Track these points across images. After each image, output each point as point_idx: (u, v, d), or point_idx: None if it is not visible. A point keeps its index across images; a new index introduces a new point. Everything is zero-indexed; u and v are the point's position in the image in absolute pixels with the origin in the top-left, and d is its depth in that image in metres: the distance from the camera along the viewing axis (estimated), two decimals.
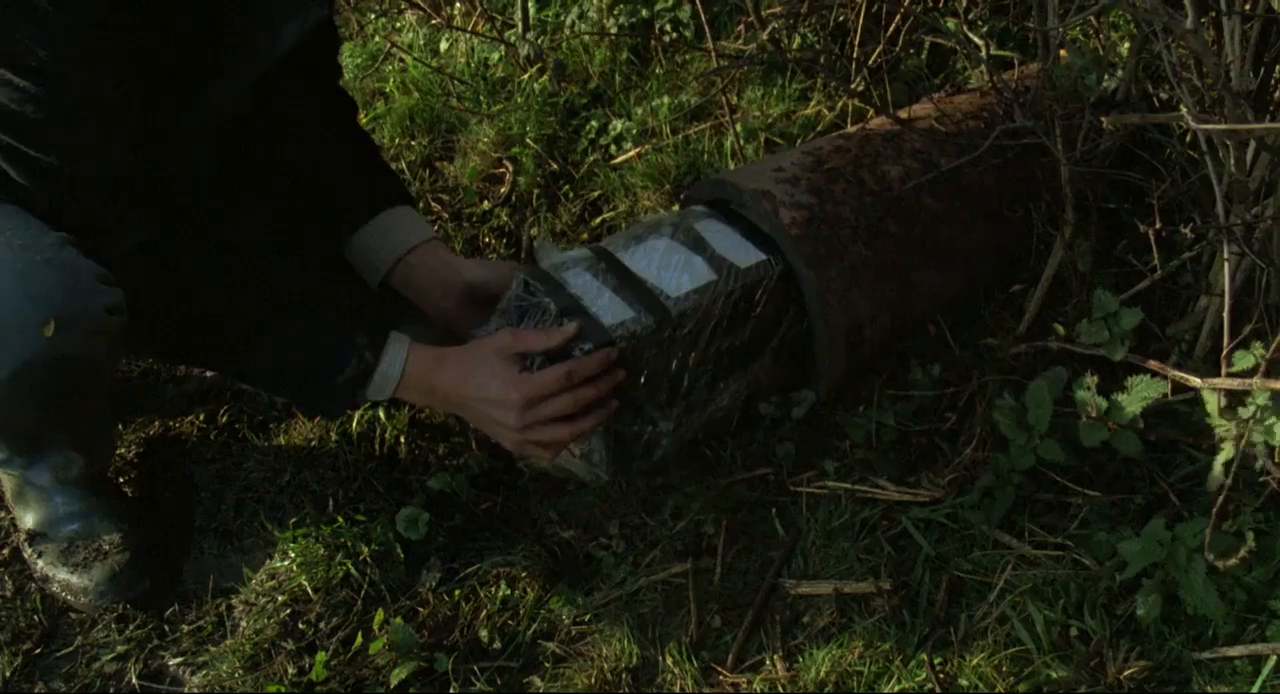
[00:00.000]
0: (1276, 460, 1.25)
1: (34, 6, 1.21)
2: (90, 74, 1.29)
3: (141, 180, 1.40)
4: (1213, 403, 1.26)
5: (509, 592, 1.61)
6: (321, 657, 1.57)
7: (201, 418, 1.92)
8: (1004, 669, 1.35)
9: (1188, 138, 1.55)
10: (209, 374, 1.97)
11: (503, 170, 2.26)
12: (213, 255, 1.47)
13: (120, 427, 1.90)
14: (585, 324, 1.49)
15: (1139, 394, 1.38)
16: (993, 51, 1.98)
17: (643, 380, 1.54)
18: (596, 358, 1.47)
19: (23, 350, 1.33)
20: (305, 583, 1.65)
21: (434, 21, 2.55)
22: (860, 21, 2.02)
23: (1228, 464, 1.25)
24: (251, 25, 1.45)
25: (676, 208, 1.92)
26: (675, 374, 1.56)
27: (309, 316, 1.49)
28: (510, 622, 1.58)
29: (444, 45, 2.49)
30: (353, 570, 1.65)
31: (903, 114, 1.78)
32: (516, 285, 1.56)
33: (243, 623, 1.65)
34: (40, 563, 1.72)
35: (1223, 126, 1.17)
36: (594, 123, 2.21)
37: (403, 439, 1.81)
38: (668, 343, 1.54)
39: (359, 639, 1.59)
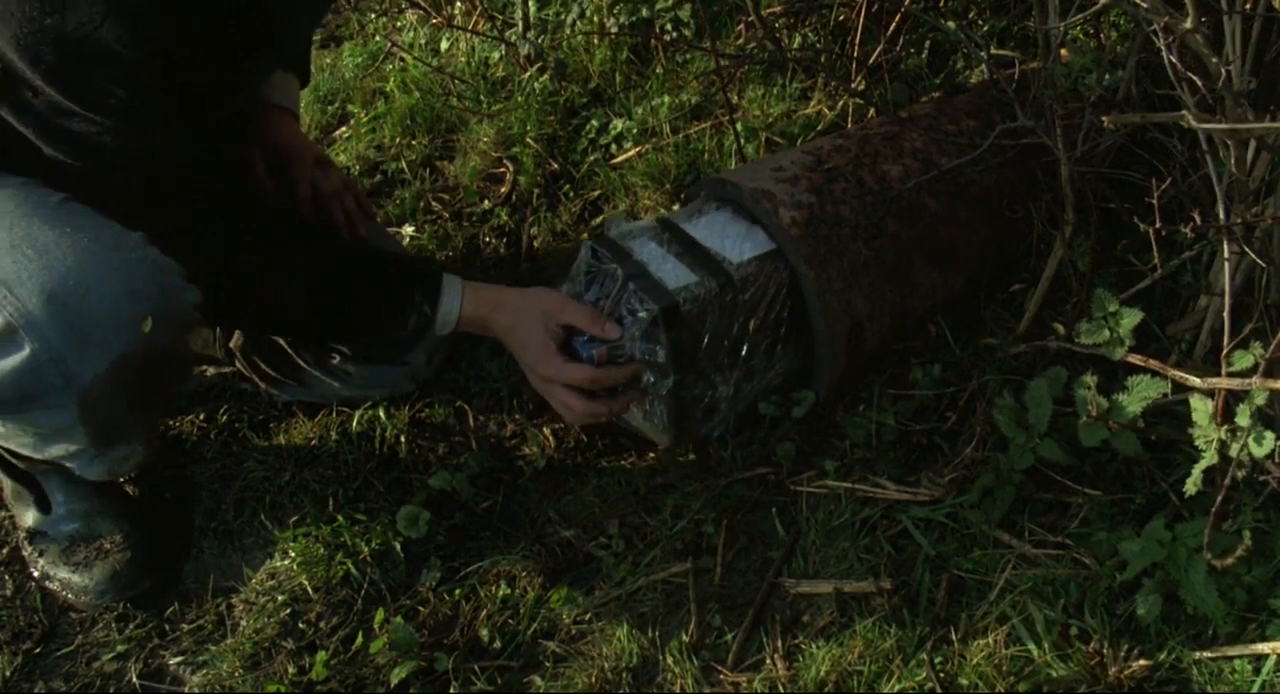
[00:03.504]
0: (1278, 460, 1.25)
1: (110, 51, 1.27)
2: (161, 99, 1.37)
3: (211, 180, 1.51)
4: (1201, 410, 1.26)
5: (509, 591, 1.61)
6: (321, 656, 1.57)
7: (201, 418, 1.92)
8: (1004, 668, 1.35)
9: (1188, 137, 1.54)
10: (209, 373, 1.97)
11: (503, 170, 2.26)
12: (273, 256, 1.55)
13: None
14: (650, 287, 1.55)
15: (1139, 394, 1.37)
16: (993, 50, 1.98)
17: (705, 343, 1.58)
18: (625, 371, 1.57)
19: (122, 345, 1.38)
20: (305, 582, 1.65)
21: (434, 21, 2.55)
22: (861, 21, 2.02)
23: (1208, 471, 1.25)
24: (284, 28, 1.55)
25: (677, 208, 1.92)
26: (736, 338, 1.61)
27: (369, 286, 1.59)
28: (510, 621, 1.58)
29: (444, 45, 2.50)
30: (353, 570, 1.65)
31: (903, 113, 1.78)
32: (585, 253, 1.63)
33: (243, 622, 1.65)
34: (41, 561, 1.72)
35: (1223, 126, 1.17)
36: (594, 122, 2.21)
37: (403, 438, 1.81)
38: (730, 307, 1.58)
39: (359, 638, 1.59)
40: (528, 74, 2.30)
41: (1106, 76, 1.56)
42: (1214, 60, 1.14)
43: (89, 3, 1.24)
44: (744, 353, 1.62)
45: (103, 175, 1.40)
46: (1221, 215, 1.26)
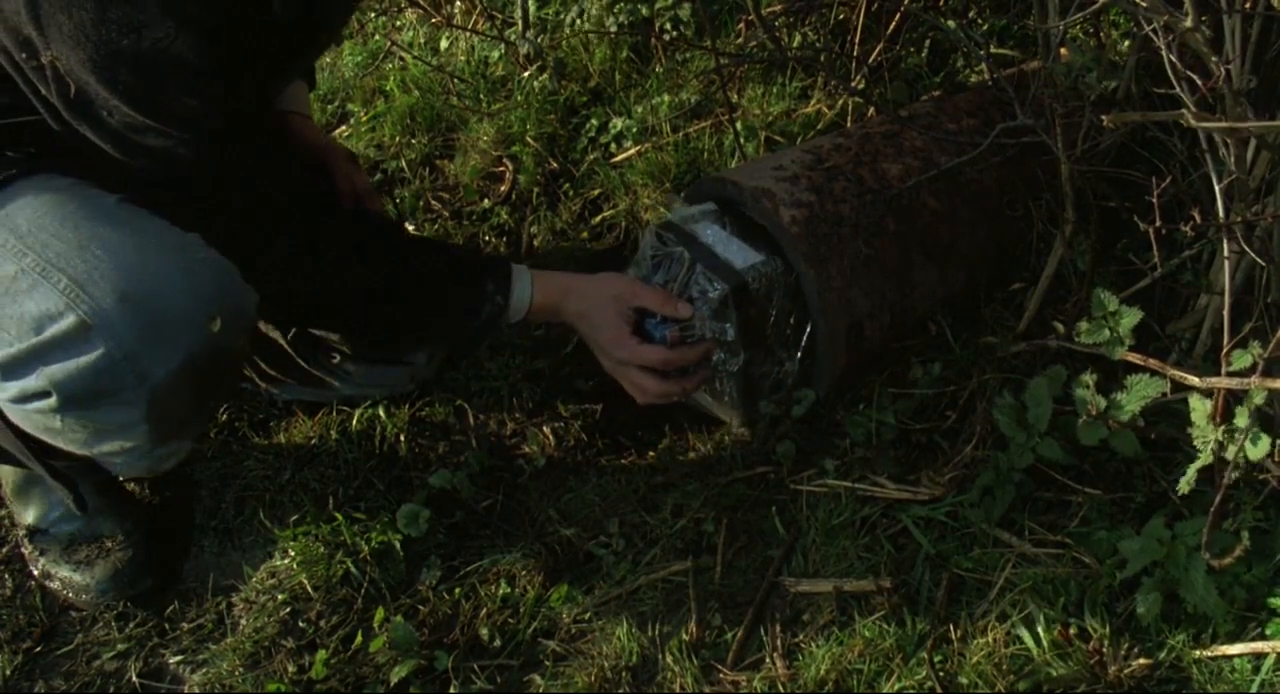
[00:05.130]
0: (1277, 459, 1.25)
1: (183, 64, 1.31)
2: (229, 106, 1.41)
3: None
4: (1200, 410, 1.26)
5: (509, 590, 1.61)
6: (321, 655, 1.57)
7: None
8: (1004, 667, 1.35)
9: (1188, 136, 1.54)
10: None
11: (503, 168, 2.26)
12: (353, 250, 1.58)
13: None
14: (718, 267, 1.59)
15: (1138, 393, 1.37)
16: (993, 49, 1.98)
17: (772, 321, 1.61)
18: (698, 350, 1.61)
19: (192, 344, 1.40)
20: (305, 581, 1.65)
21: (434, 20, 2.55)
22: (860, 20, 2.02)
23: (1205, 470, 1.25)
24: (329, 33, 1.62)
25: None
26: (800, 315, 1.63)
27: (446, 277, 1.62)
28: (510, 620, 1.58)
29: (444, 44, 2.49)
30: (353, 569, 1.65)
31: (903, 112, 1.78)
32: (650, 237, 1.66)
33: (243, 621, 1.65)
34: (41, 560, 1.73)
35: (1222, 125, 1.17)
36: (594, 121, 2.21)
37: (403, 437, 1.81)
38: (794, 285, 1.61)
39: (359, 637, 1.59)
40: (527, 73, 2.30)
41: (1105, 78, 1.56)
42: (1214, 59, 1.14)
43: (162, 20, 1.28)
44: (808, 331, 1.64)
45: (180, 183, 1.43)
46: (1221, 214, 1.26)
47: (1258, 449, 1.20)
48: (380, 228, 1.67)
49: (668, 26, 2.24)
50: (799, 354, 1.66)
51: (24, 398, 1.40)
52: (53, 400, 1.38)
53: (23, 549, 1.76)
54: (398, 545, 1.67)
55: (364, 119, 2.45)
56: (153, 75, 1.32)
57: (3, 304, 1.37)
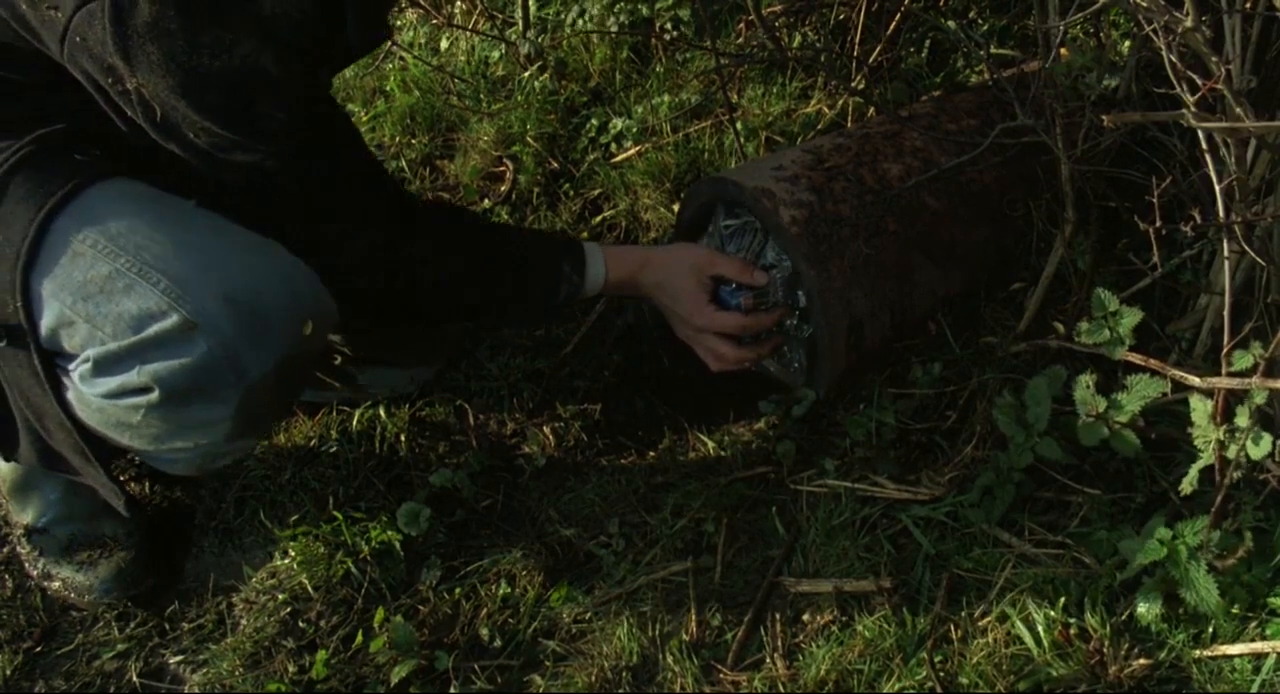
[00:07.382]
0: (1277, 459, 1.25)
1: (271, 78, 1.33)
2: (308, 113, 1.43)
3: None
4: (1201, 410, 1.26)
5: (509, 590, 1.61)
6: (322, 655, 1.57)
7: None
8: (1004, 668, 1.35)
9: (1188, 136, 1.54)
10: None
11: (503, 168, 2.26)
12: (438, 241, 1.60)
13: None
14: (793, 234, 1.60)
15: (1138, 393, 1.37)
16: (993, 49, 1.98)
17: None
18: (772, 316, 1.65)
19: (287, 345, 1.43)
20: (305, 581, 1.65)
21: (434, 20, 2.55)
22: (861, 20, 2.02)
23: (1206, 470, 1.25)
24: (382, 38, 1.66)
25: (677, 207, 1.92)
26: None
27: (526, 260, 1.65)
28: (510, 620, 1.58)
29: (444, 43, 2.49)
30: (353, 569, 1.65)
31: (903, 112, 1.78)
32: (721, 210, 1.69)
33: (243, 621, 1.65)
34: (41, 560, 1.72)
35: (1223, 125, 1.17)
36: (594, 121, 2.21)
37: (403, 437, 1.81)
38: None
39: (359, 637, 1.59)
40: (528, 73, 2.30)
41: (1106, 78, 1.56)
42: (1214, 59, 1.14)
43: (248, 36, 1.29)
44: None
45: (259, 189, 1.45)
46: (1221, 214, 1.26)
47: (1259, 449, 1.20)
48: (456, 217, 1.69)
49: (668, 26, 2.24)
50: None
51: (121, 393, 1.40)
52: (154, 396, 1.39)
53: (20, 549, 1.76)
54: (398, 545, 1.67)
55: (364, 119, 2.45)
56: (242, 93, 1.33)
57: (98, 303, 1.38)
